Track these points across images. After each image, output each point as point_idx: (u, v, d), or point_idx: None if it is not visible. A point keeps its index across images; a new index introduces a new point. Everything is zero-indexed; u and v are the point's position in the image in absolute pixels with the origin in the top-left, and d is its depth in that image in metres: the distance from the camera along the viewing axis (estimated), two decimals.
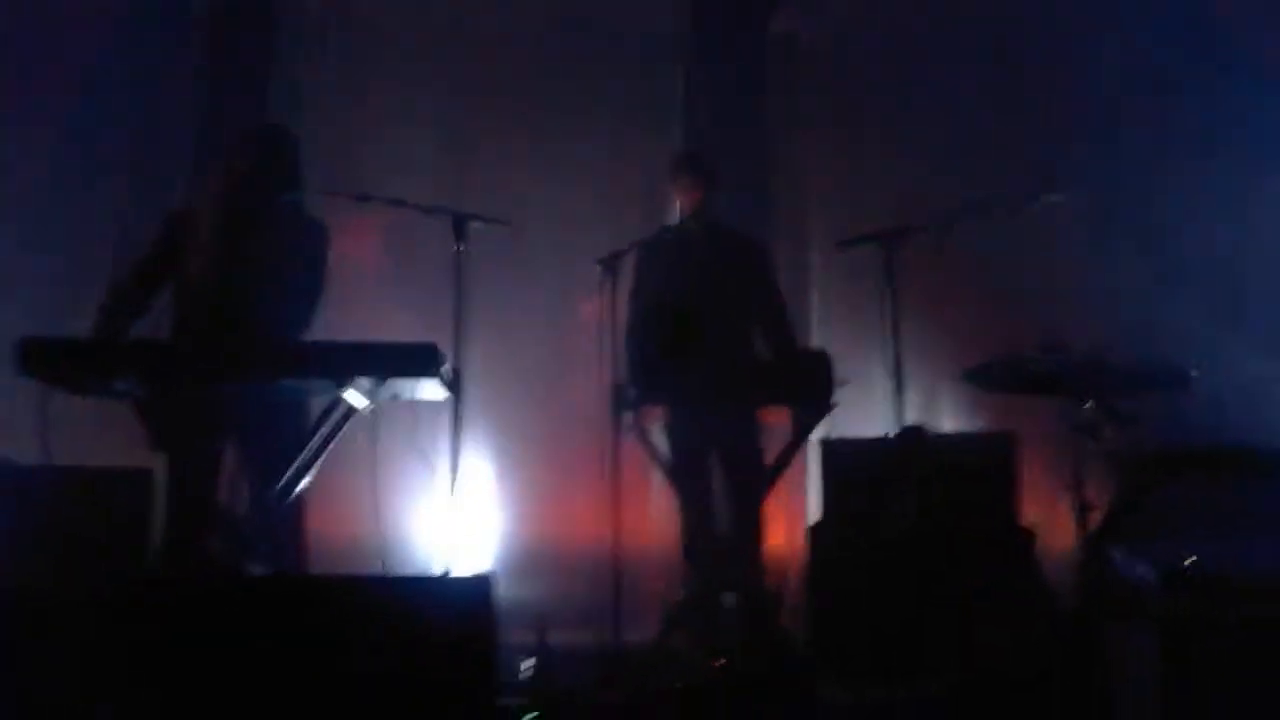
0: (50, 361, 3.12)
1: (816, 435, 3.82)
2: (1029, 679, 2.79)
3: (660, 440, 4.00)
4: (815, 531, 3.65)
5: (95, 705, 2.10)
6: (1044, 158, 5.01)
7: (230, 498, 3.60)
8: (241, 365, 3.22)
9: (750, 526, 3.94)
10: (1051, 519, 3.77)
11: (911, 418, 3.76)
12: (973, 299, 4.99)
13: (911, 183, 5.09)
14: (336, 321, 3.74)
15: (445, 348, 3.29)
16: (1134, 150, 5.12)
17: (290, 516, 3.51)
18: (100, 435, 3.62)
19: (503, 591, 2.33)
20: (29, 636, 2.17)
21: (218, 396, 3.43)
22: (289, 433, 3.43)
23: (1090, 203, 4.47)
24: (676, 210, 4.37)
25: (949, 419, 4.75)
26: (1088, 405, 3.74)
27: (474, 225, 3.70)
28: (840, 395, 3.57)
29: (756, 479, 3.89)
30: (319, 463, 3.38)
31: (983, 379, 4.00)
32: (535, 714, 2.78)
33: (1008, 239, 4.52)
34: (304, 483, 3.40)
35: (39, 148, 5.27)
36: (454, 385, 3.38)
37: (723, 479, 4.08)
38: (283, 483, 3.36)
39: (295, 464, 3.36)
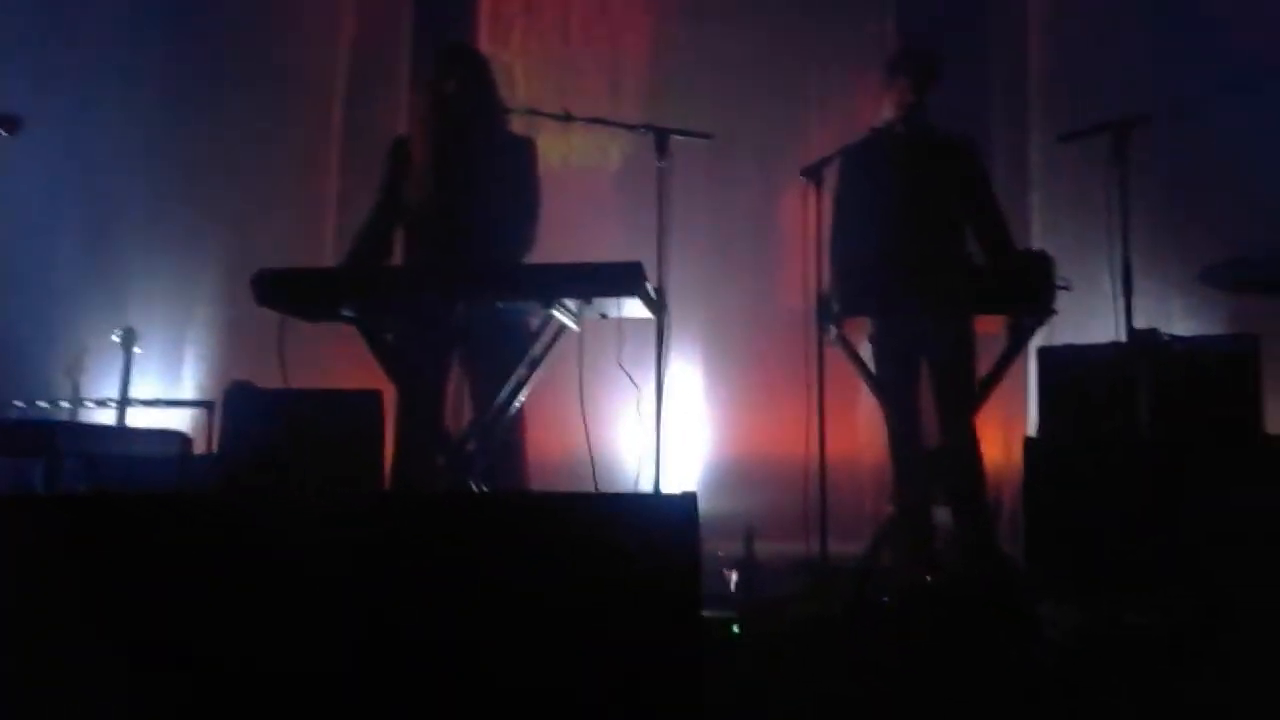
0: (281, 291, 3.30)
1: (1034, 344, 3.65)
2: (1269, 611, 2.58)
3: (866, 351, 3.90)
4: (1033, 444, 3.50)
5: (321, 609, 2.23)
6: None
7: (454, 417, 3.76)
8: (452, 289, 3.32)
9: (962, 440, 3.79)
10: None
11: (1140, 324, 3.51)
12: (1210, 195, 4.59)
13: (1144, 67, 4.70)
14: (542, 241, 3.81)
15: (649, 264, 3.31)
16: None
17: (509, 434, 3.63)
18: (335, 360, 3.84)
19: (710, 504, 2.34)
20: (265, 548, 2.32)
21: (437, 319, 3.57)
22: (508, 352, 3.50)
23: None
24: (885, 111, 4.14)
25: (1180, 326, 4.41)
26: None
27: (676, 139, 3.67)
28: (1060, 300, 3.38)
29: (968, 390, 3.73)
30: (532, 382, 3.49)
31: (1224, 279, 3.70)
32: (740, 626, 2.82)
33: (1251, 128, 4.10)
34: (518, 401, 3.52)
35: (255, 84, 5.54)
36: (658, 303, 3.40)
37: (933, 391, 3.94)
38: (499, 401, 3.49)
39: (511, 382, 3.48)
